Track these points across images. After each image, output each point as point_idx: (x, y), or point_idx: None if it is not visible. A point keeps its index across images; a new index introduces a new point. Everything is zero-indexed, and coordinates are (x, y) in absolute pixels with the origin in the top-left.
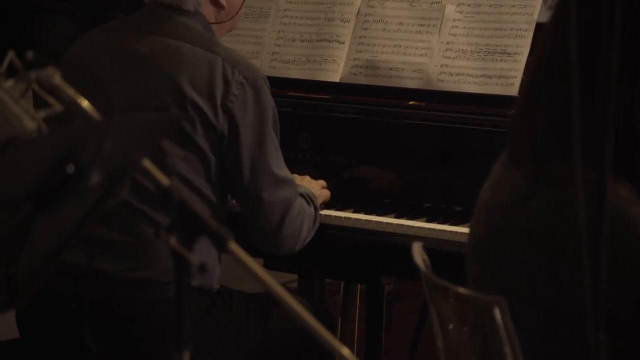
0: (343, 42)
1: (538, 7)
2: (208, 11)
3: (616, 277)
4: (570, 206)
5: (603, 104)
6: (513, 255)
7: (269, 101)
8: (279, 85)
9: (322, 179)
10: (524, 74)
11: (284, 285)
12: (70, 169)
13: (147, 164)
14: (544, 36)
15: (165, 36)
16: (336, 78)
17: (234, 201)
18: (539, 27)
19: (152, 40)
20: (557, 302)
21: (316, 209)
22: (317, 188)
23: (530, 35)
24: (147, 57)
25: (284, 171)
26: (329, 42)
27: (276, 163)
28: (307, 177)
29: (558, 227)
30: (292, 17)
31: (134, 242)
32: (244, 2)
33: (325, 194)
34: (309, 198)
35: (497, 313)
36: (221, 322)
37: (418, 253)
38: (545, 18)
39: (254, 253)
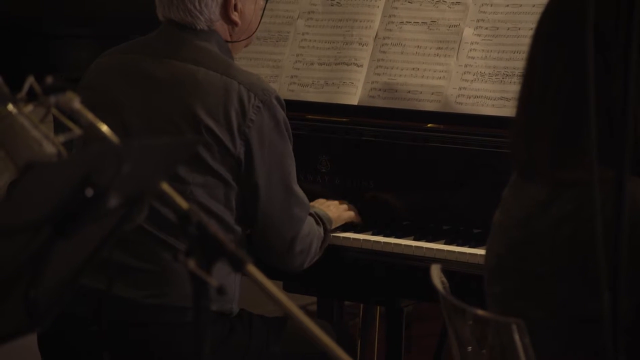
0: (361, 65)
1: None
2: (222, 29)
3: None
4: (591, 206)
5: (624, 108)
6: (537, 265)
7: (284, 120)
8: (297, 108)
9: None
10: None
11: (304, 308)
12: (89, 192)
13: (166, 187)
14: (531, 53)
15: (182, 61)
16: (354, 101)
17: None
18: None
19: (169, 65)
20: (586, 308)
21: (326, 230)
22: (335, 210)
23: None
24: (163, 83)
25: (299, 190)
26: (347, 65)
27: (294, 181)
28: (329, 202)
29: (581, 228)
30: (310, 40)
31: (152, 269)
32: (260, 19)
33: (348, 215)
34: (318, 218)
35: (515, 335)
36: (241, 346)
37: (437, 275)
38: None
39: (272, 275)
